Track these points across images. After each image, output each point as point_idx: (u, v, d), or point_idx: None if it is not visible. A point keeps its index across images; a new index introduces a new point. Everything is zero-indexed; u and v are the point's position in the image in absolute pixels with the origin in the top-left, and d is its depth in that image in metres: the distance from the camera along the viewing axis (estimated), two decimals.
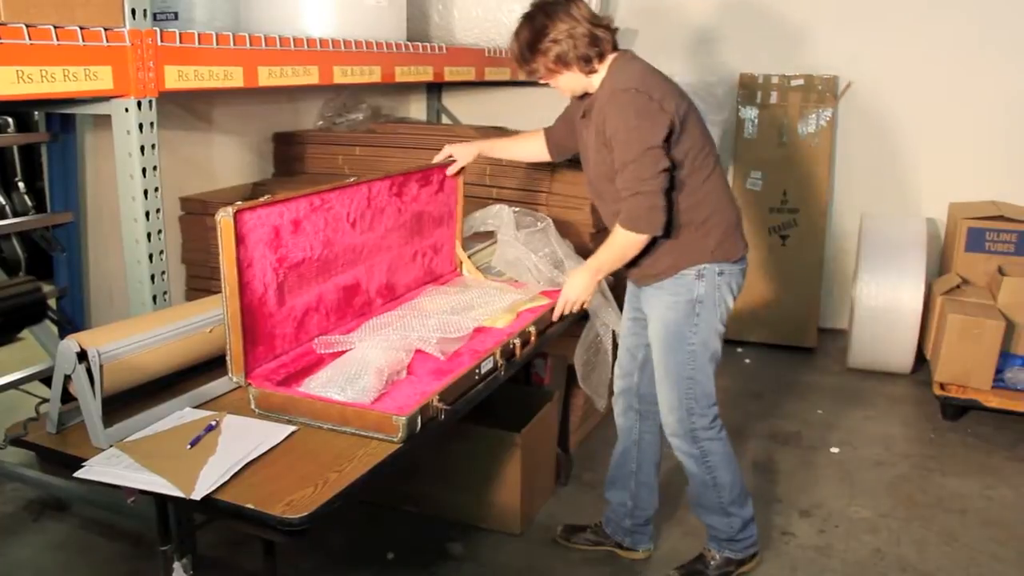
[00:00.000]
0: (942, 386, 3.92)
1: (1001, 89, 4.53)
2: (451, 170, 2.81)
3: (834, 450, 3.60)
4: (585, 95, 2.42)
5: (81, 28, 1.97)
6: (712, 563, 2.65)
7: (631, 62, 2.36)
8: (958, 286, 4.20)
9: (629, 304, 2.66)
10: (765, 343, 4.82)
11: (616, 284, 3.06)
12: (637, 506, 2.75)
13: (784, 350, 4.81)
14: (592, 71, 2.33)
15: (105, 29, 2.03)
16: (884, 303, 4.30)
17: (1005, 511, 3.13)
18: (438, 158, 2.80)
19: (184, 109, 3.51)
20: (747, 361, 4.64)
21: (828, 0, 4.72)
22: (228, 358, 1.92)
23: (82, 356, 1.73)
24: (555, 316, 2.52)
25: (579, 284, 2.46)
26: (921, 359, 4.39)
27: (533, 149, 2.80)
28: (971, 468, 3.47)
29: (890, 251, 4.35)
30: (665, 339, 2.45)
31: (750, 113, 4.78)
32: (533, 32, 2.29)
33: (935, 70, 4.61)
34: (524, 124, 4.56)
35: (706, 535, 2.68)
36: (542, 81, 2.41)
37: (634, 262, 2.40)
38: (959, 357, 3.84)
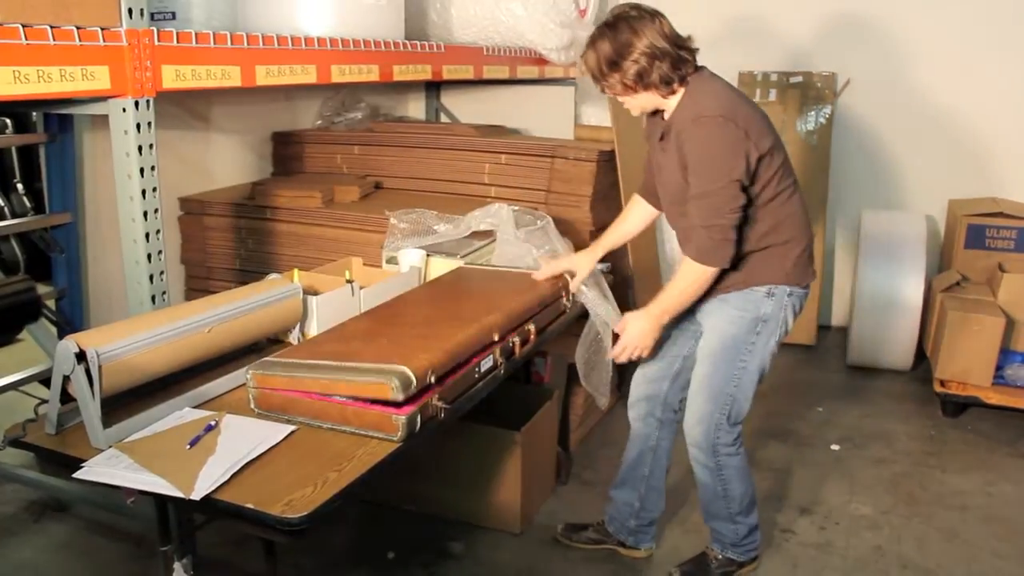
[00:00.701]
0: (942, 383, 3.92)
1: (1001, 85, 4.53)
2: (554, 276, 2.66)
3: (834, 447, 3.60)
4: (656, 112, 2.37)
5: (78, 28, 1.96)
6: (714, 562, 2.66)
7: (712, 82, 2.30)
8: (958, 283, 4.20)
9: (683, 321, 2.58)
10: None
11: (615, 284, 3.05)
12: (644, 508, 2.74)
13: (784, 347, 4.76)
14: (672, 93, 2.27)
15: (102, 29, 2.02)
16: (884, 300, 4.29)
17: (1006, 507, 3.13)
18: (551, 272, 2.63)
19: (182, 109, 3.50)
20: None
21: None
22: None
23: (81, 357, 1.72)
24: (618, 358, 2.42)
25: (642, 329, 2.35)
26: (921, 356, 4.39)
27: (641, 216, 2.67)
28: (971, 465, 3.47)
29: (890, 248, 4.35)
30: (719, 352, 2.40)
31: None
32: (616, 47, 2.20)
33: (934, 66, 4.62)
34: (523, 123, 4.58)
35: (710, 536, 2.68)
36: (613, 95, 2.34)
37: None
38: (959, 354, 3.84)
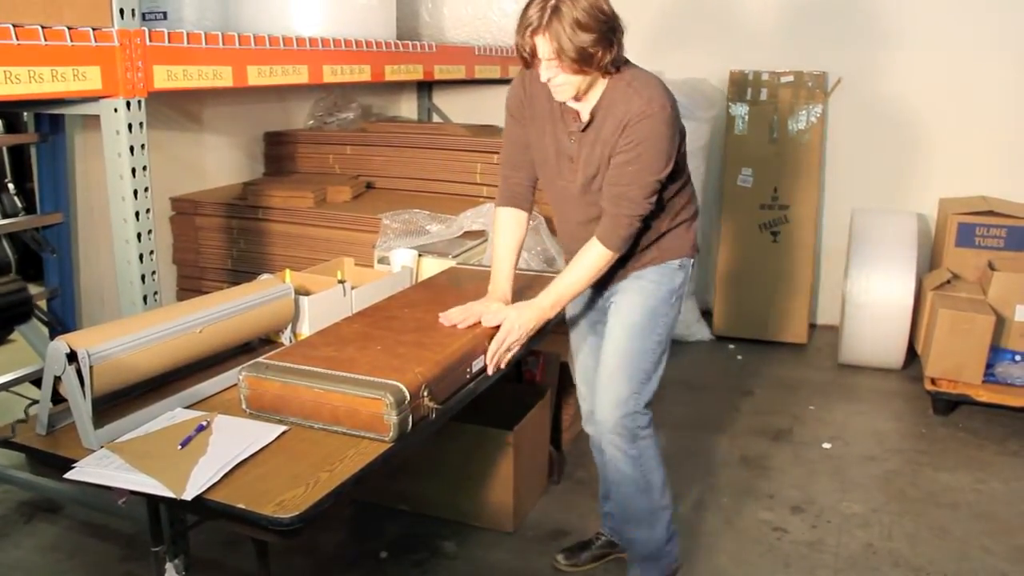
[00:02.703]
0: (933, 381, 3.93)
1: (991, 84, 4.55)
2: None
3: (826, 445, 3.61)
4: (562, 104, 2.20)
5: (69, 28, 1.96)
6: None
7: (645, 72, 2.19)
8: (948, 281, 4.21)
9: (588, 319, 2.56)
10: (756, 339, 4.83)
11: None
12: None
13: (775, 346, 4.82)
14: (608, 75, 2.13)
15: (93, 29, 2.03)
16: (875, 299, 4.31)
17: (996, 504, 3.15)
18: (459, 319, 2.25)
19: (174, 109, 3.50)
20: (739, 358, 4.65)
21: None
22: None
23: (72, 357, 1.72)
24: (491, 367, 2.19)
25: (525, 322, 2.23)
26: (912, 354, 4.40)
27: (520, 225, 2.45)
28: (962, 462, 3.48)
29: (881, 247, 4.36)
30: (639, 324, 2.33)
31: (740, 110, 4.78)
32: (582, 11, 1.97)
33: (924, 66, 4.63)
34: None
35: (628, 565, 2.60)
36: (546, 76, 2.07)
37: (619, 263, 2.31)
38: (950, 352, 3.85)
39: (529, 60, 2.08)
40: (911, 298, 4.26)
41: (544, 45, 2.01)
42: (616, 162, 2.15)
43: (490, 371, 2.19)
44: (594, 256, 2.22)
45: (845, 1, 4.70)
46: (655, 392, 2.41)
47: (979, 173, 4.64)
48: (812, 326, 4.94)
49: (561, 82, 2.09)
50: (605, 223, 2.20)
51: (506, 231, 2.43)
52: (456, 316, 2.25)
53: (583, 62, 2.03)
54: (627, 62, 2.18)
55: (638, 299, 2.35)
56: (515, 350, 2.24)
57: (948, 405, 3.94)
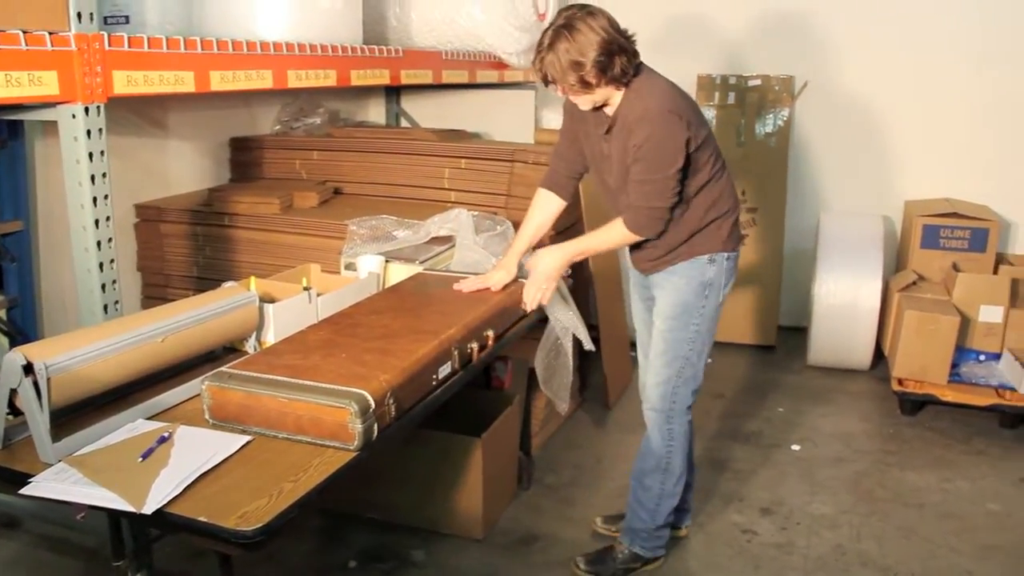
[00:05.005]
0: (900, 381, 3.97)
1: (954, 88, 4.60)
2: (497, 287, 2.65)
3: (795, 447, 3.63)
4: (597, 107, 2.42)
5: (24, 32, 1.92)
6: (620, 556, 2.73)
7: (654, 79, 2.40)
8: (914, 282, 4.26)
9: (639, 294, 2.79)
10: (727, 342, 4.85)
11: (575, 288, 3.06)
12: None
13: (745, 349, 4.84)
14: (624, 86, 2.34)
15: (49, 33, 1.98)
16: (842, 300, 4.34)
17: (961, 503, 3.18)
18: (471, 287, 2.61)
19: (137, 114, 3.45)
20: (709, 360, 4.63)
21: (783, 1, 4.76)
22: None
23: (28, 369, 1.68)
24: (529, 305, 2.57)
25: (554, 263, 2.53)
26: (879, 355, 4.44)
27: (549, 210, 2.73)
28: (929, 462, 3.51)
29: (848, 249, 4.40)
30: (672, 317, 2.56)
31: (708, 114, 4.80)
32: (577, 47, 2.23)
33: (890, 70, 4.68)
34: (483, 126, 4.58)
35: (623, 527, 2.77)
36: (564, 95, 2.39)
37: (649, 253, 2.55)
38: (916, 353, 3.89)
39: (545, 82, 2.35)
40: (878, 300, 4.30)
41: (548, 73, 2.30)
42: (631, 162, 2.36)
43: (530, 308, 2.58)
44: (616, 230, 2.46)
45: (811, 5, 4.73)
46: (699, 378, 2.63)
47: (943, 175, 4.69)
48: (781, 328, 4.97)
49: (575, 99, 2.38)
50: (630, 210, 2.42)
51: (535, 209, 2.73)
52: (471, 284, 2.60)
53: (583, 87, 2.29)
54: (642, 70, 2.38)
55: (671, 295, 2.56)
56: (551, 288, 2.57)
57: (915, 405, 3.97)
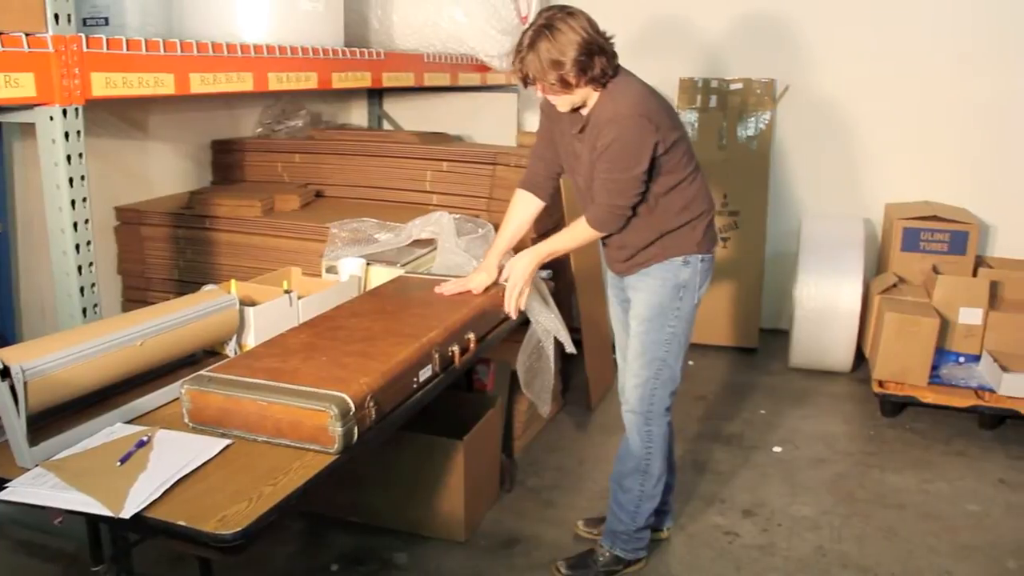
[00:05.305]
0: (881, 383, 3.99)
1: (934, 92, 4.64)
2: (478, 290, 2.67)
3: (776, 449, 3.64)
4: (574, 109, 2.44)
5: (0, 33, 1.91)
6: (601, 559, 2.73)
7: (629, 81, 2.42)
8: (895, 285, 4.28)
9: (615, 296, 2.79)
10: (708, 345, 4.87)
11: (557, 291, 3.06)
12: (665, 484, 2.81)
13: (727, 351, 4.86)
14: (602, 87, 2.37)
15: (26, 35, 1.97)
16: (824, 303, 4.37)
17: (941, 504, 3.20)
18: (453, 290, 2.63)
19: (118, 117, 3.43)
20: (690, 363, 4.66)
21: (765, 4, 4.79)
22: None
23: (5, 373, 1.67)
24: (511, 310, 2.59)
25: (527, 264, 2.56)
26: (860, 357, 4.47)
27: (528, 210, 2.73)
28: (909, 463, 3.53)
29: (829, 252, 4.42)
30: (648, 319, 2.57)
31: (690, 117, 4.83)
32: (558, 46, 2.26)
33: (869, 73, 4.71)
34: (465, 129, 4.58)
35: (604, 529, 2.77)
36: (544, 95, 2.41)
37: (620, 253, 2.58)
38: (897, 354, 3.91)
39: (524, 82, 2.38)
40: (859, 302, 4.32)
41: (529, 72, 2.33)
42: (597, 161, 2.40)
43: (513, 315, 2.61)
44: (580, 227, 2.50)
45: (793, 9, 4.76)
46: (677, 379, 2.63)
47: (923, 178, 4.73)
48: (763, 330, 4.99)
49: (554, 99, 2.41)
50: (593, 207, 2.46)
51: (514, 210, 2.74)
52: (452, 288, 2.62)
53: (563, 85, 2.31)
54: (620, 72, 2.41)
55: (646, 296, 2.58)
56: (526, 291, 2.61)
57: (895, 407, 4.00)
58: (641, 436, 2.63)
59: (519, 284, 2.57)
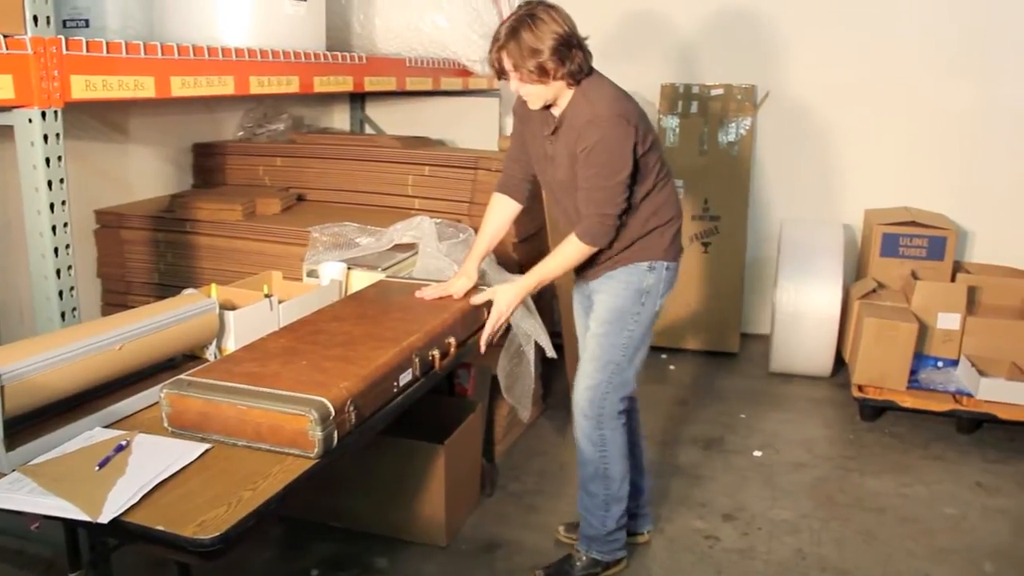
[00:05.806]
0: (860, 388, 4.02)
1: (913, 98, 4.68)
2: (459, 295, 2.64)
3: (757, 453, 3.66)
4: (545, 107, 2.44)
5: None
6: (579, 564, 2.73)
7: (603, 84, 2.43)
8: (874, 290, 4.31)
9: (580, 304, 2.79)
10: (689, 349, 4.89)
11: (538, 295, 3.07)
12: (638, 489, 2.83)
13: (708, 356, 4.88)
14: (575, 85, 2.37)
15: (4, 36, 1.96)
16: (803, 308, 4.39)
17: (919, 508, 3.22)
18: (433, 295, 2.59)
19: (98, 119, 3.42)
20: (671, 368, 4.69)
21: (746, 11, 4.82)
22: None
23: None
24: (485, 338, 2.52)
25: (513, 298, 2.52)
26: (840, 362, 4.49)
27: (505, 214, 2.73)
28: (888, 467, 3.56)
29: (809, 257, 4.45)
30: (608, 321, 2.55)
31: (671, 123, 4.85)
32: (539, 34, 2.28)
33: (850, 79, 4.75)
34: (447, 133, 4.59)
35: (578, 535, 2.77)
36: (516, 86, 2.39)
37: (590, 262, 2.54)
38: (876, 359, 3.94)
39: (499, 73, 2.39)
40: (838, 307, 4.35)
41: (507, 60, 2.33)
42: (579, 167, 2.38)
43: (483, 349, 2.53)
44: (570, 248, 2.46)
45: (773, 15, 4.80)
46: (630, 385, 2.61)
47: (902, 184, 4.77)
48: (743, 335, 5.02)
49: (528, 92, 2.38)
50: (582, 221, 2.43)
51: (491, 214, 2.72)
52: (432, 292, 2.58)
53: (541, 74, 2.31)
54: (593, 73, 2.42)
55: (608, 299, 2.57)
56: (504, 324, 2.56)
57: (874, 411, 4.03)
58: (592, 442, 2.61)
59: (503, 317, 2.54)
